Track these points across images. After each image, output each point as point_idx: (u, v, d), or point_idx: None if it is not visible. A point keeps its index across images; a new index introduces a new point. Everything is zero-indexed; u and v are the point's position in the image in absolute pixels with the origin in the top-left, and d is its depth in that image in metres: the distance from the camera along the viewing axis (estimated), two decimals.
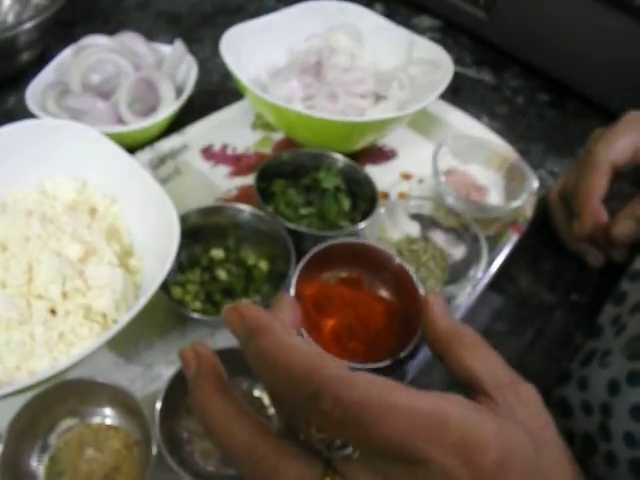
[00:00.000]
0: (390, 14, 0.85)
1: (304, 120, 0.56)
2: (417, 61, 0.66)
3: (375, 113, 0.63)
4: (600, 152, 0.55)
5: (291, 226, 0.51)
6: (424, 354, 0.47)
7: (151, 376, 0.46)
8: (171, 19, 0.83)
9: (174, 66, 0.65)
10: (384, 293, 0.47)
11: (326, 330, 0.44)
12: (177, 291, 0.49)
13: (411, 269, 0.46)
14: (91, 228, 0.47)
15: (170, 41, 0.66)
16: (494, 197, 0.60)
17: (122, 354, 0.46)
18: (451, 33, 0.86)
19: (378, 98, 0.65)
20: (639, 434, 0.42)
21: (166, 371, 0.46)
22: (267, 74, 0.65)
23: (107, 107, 0.59)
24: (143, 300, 0.40)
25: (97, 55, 0.62)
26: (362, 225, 0.53)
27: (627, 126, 0.55)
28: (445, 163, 0.59)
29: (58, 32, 0.73)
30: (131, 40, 0.66)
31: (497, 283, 0.54)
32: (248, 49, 0.63)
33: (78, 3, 0.79)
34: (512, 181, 0.60)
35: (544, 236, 0.61)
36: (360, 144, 0.62)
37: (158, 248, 0.45)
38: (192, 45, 0.74)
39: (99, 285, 0.43)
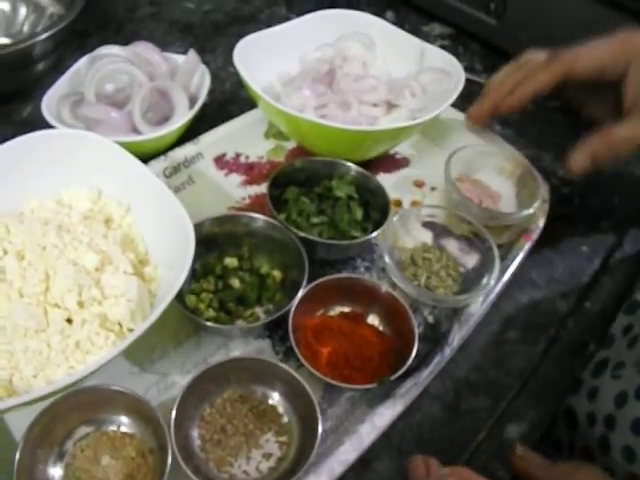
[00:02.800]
0: (401, 22, 0.86)
1: (317, 129, 0.56)
2: (428, 69, 0.66)
3: (387, 122, 0.63)
4: (565, 51, 0.52)
5: (302, 234, 0.51)
6: (436, 363, 0.47)
7: (166, 384, 0.46)
8: (184, 29, 0.83)
9: (187, 75, 0.66)
10: (381, 323, 0.51)
11: (323, 357, 0.47)
12: (191, 300, 0.49)
13: (401, 298, 0.49)
14: (107, 237, 0.47)
15: (183, 51, 0.67)
16: (506, 204, 0.60)
17: (137, 363, 0.47)
18: (461, 40, 0.86)
19: (390, 106, 0.65)
20: (638, 449, 0.42)
21: (181, 379, 0.46)
22: (280, 83, 0.66)
23: (121, 116, 0.60)
24: (160, 309, 0.40)
25: (111, 65, 0.62)
26: (374, 235, 0.53)
27: (613, 39, 0.52)
28: (457, 171, 0.59)
29: (73, 42, 0.74)
30: (145, 50, 0.66)
31: (510, 291, 0.54)
32: (261, 58, 0.63)
33: (92, 13, 0.80)
34: (524, 188, 0.60)
35: (556, 243, 0.61)
36: (373, 153, 0.62)
37: (173, 256, 0.45)
38: (205, 54, 0.74)
39: (115, 294, 0.43)
